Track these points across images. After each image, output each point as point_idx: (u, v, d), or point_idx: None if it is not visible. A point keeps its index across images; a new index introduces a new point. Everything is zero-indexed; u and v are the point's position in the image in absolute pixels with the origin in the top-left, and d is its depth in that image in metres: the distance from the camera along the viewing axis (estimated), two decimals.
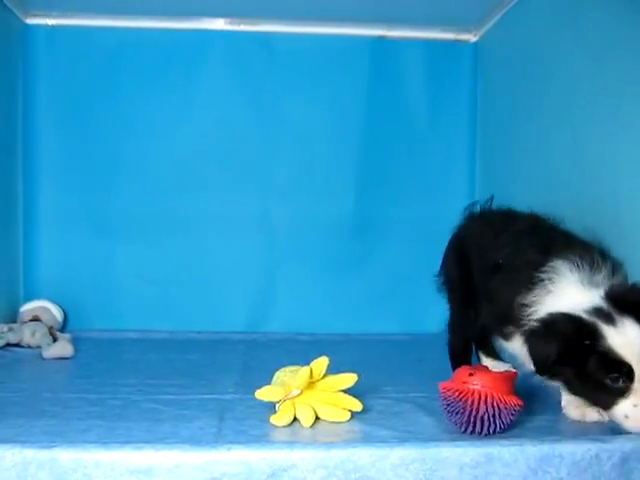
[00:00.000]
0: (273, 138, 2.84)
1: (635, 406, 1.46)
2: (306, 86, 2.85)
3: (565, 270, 1.58)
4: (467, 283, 2.04)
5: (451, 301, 2.16)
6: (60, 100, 2.77)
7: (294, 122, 2.84)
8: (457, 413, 1.49)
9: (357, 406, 1.63)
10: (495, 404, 1.46)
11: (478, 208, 2.13)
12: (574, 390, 1.58)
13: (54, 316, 2.61)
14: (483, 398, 1.46)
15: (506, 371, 1.58)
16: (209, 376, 2.07)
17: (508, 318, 1.67)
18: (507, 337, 1.71)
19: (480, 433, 1.48)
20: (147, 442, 1.38)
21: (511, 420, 1.50)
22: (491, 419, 1.46)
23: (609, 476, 1.41)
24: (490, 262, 1.84)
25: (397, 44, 2.87)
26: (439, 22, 2.81)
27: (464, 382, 1.49)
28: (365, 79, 2.87)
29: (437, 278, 2.18)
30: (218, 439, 1.45)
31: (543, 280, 1.59)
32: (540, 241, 1.72)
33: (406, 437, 1.48)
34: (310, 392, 1.64)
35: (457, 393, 1.48)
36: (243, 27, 2.83)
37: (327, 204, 2.84)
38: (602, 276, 1.57)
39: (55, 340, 2.36)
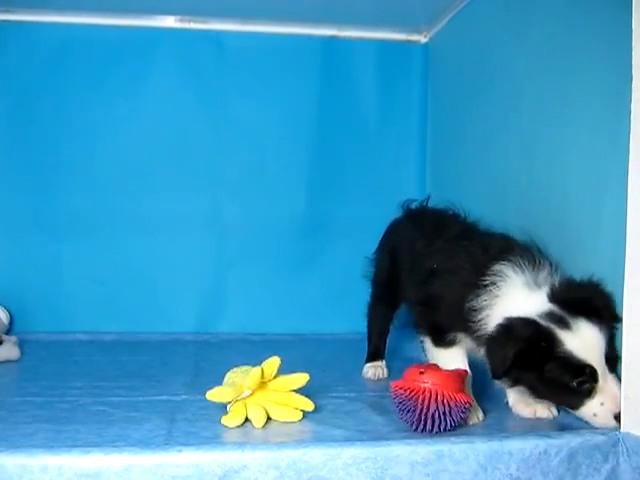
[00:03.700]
0: (223, 137, 2.82)
1: (602, 404, 1.51)
2: (257, 85, 2.83)
3: (510, 272, 1.60)
4: (391, 281, 2.12)
5: (373, 293, 2.26)
6: (5, 97, 2.71)
7: (245, 121, 2.82)
8: (408, 411, 1.50)
9: (309, 406, 1.63)
10: (445, 402, 1.47)
11: (414, 205, 2.21)
12: (539, 394, 1.60)
13: None
14: (434, 396, 1.47)
15: (456, 369, 1.60)
16: (159, 377, 2.05)
17: (454, 323, 1.69)
18: (448, 344, 1.73)
19: (431, 431, 1.49)
20: (96, 445, 1.36)
21: (461, 417, 1.52)
22: (442, 417, 1.48)
23: (557, 472, 1.44)
24: (424, 268, 1.85)
25: (348, 44, 2.87)
26: (390, 23, 2.83)
27: (415, 380, 1.50)
28: (316, 79, 2.87)
29: (369, 262, 2.27)
30: (168, 441, 1.43)
31: (488, 284, 1.60)
32: (478, 245, 1.73)
33: (358, 436, 1.49)
34: (261, 392, 1.64)
35: (408, 391, 1.50)
36: (193, 25, 2.80)
37: (278, 204, 2.83)
38: (544, 275, 1.60)
39: (0, 343, 2.31)
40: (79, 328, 2.68)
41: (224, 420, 1.55)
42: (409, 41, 2.92)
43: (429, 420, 1.48)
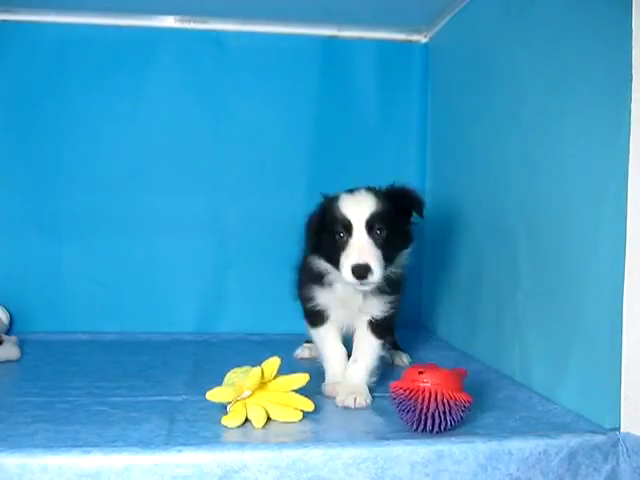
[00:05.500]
0: (224, 137, 2.82)
1: (347, 257, 1.72)
2: (257, 85, 2.83)
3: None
4: None
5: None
6: (5, 97, 2.70)
7: (245, 121, 2.82)
8: (408, 411, 1.51)
9: (309, 406, 1.63)
10: (445, 401, 1.47)
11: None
12: (328, 258, 1.82)
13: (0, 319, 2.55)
14: (433, 396, 1.47)
15: (455, 369, 1.60)
16: (159, 377, 2.05)
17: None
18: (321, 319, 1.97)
19: (431, 430, 1.49)
20: (96, 445, 1.37)
21: (461, 417, 1.52)
22: (442, 416, 1.48)
23: (557, 472, 1.44)
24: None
25: (348, 44, 2.87)
26: (390, 23, 2.83)
27: (414, 380, 1.50)
28: (316, 79, 2.86)
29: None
30: (168, 441, 1.44)
31: None
32: None
33: (358, 436, 1.49)
34: (261, 392, 1.64)
35: (407, 391, 1.50)
36: (193, 25, 2.80)
37: (278, 204, 2.82)
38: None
39: (0, 343, 2.31)
40: (79, 328, 2.68)
41: (224, 420, 1.55)
42: (409, 41, 2.92)
43: (429, 420, 1.48)
